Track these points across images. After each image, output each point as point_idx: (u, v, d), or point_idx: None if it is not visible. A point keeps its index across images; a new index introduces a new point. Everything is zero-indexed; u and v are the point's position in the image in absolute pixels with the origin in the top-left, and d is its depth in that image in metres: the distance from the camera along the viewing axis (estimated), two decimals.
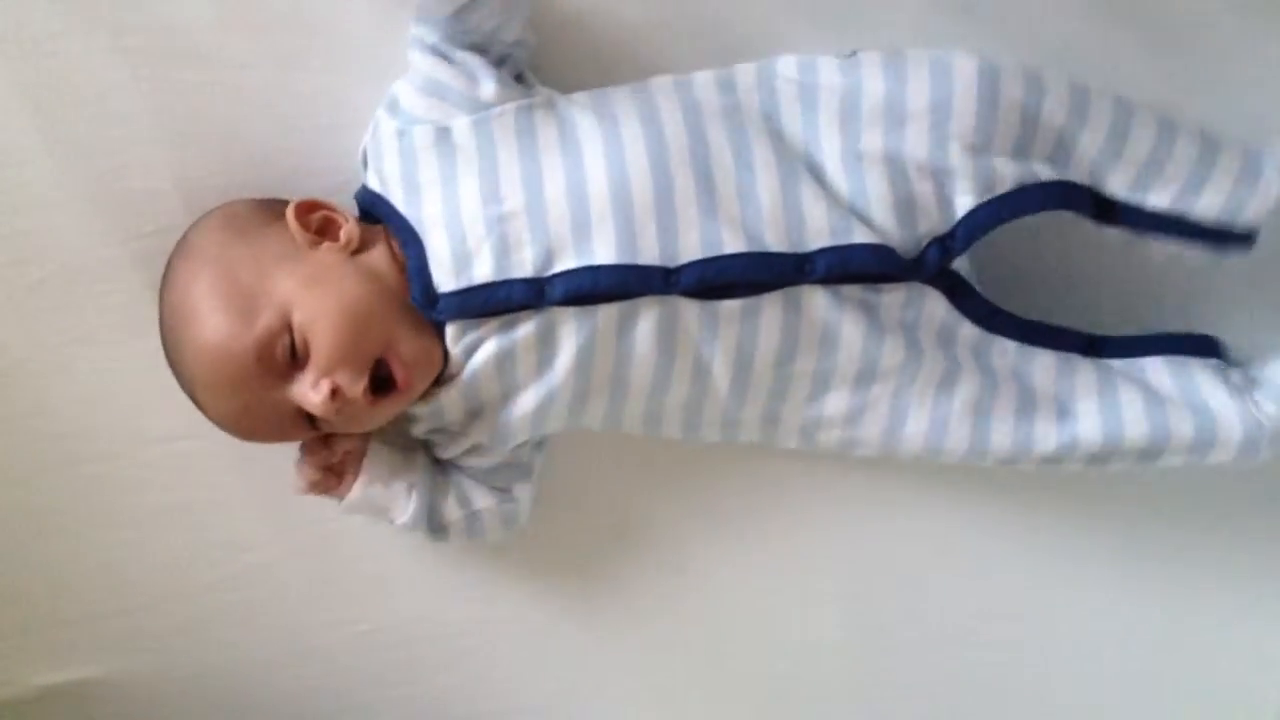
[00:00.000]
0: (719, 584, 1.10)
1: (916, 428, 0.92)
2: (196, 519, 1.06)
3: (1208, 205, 0.89)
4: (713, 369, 0.89)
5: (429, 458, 0.99)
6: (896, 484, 1.06)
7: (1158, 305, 1.02)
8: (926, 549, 1.09)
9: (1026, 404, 0.92)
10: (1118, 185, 0.89)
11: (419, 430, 0.96)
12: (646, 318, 0.86)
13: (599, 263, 0.85)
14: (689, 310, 0.86)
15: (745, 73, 0.91)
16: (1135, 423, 0.91)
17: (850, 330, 0.88)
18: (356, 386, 0.86)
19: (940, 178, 0.87)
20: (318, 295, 0.86)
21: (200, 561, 1.07)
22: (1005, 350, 0.93)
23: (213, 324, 0.86)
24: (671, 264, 0.85)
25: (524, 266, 0.86)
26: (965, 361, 0.92)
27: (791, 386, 0.91)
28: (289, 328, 0.85)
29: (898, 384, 0.90)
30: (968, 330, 0.92)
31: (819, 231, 0.86)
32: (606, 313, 0.86)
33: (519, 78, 0.93)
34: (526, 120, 0.89)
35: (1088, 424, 0.91)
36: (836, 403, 0.92)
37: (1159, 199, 0.89)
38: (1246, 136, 1.00)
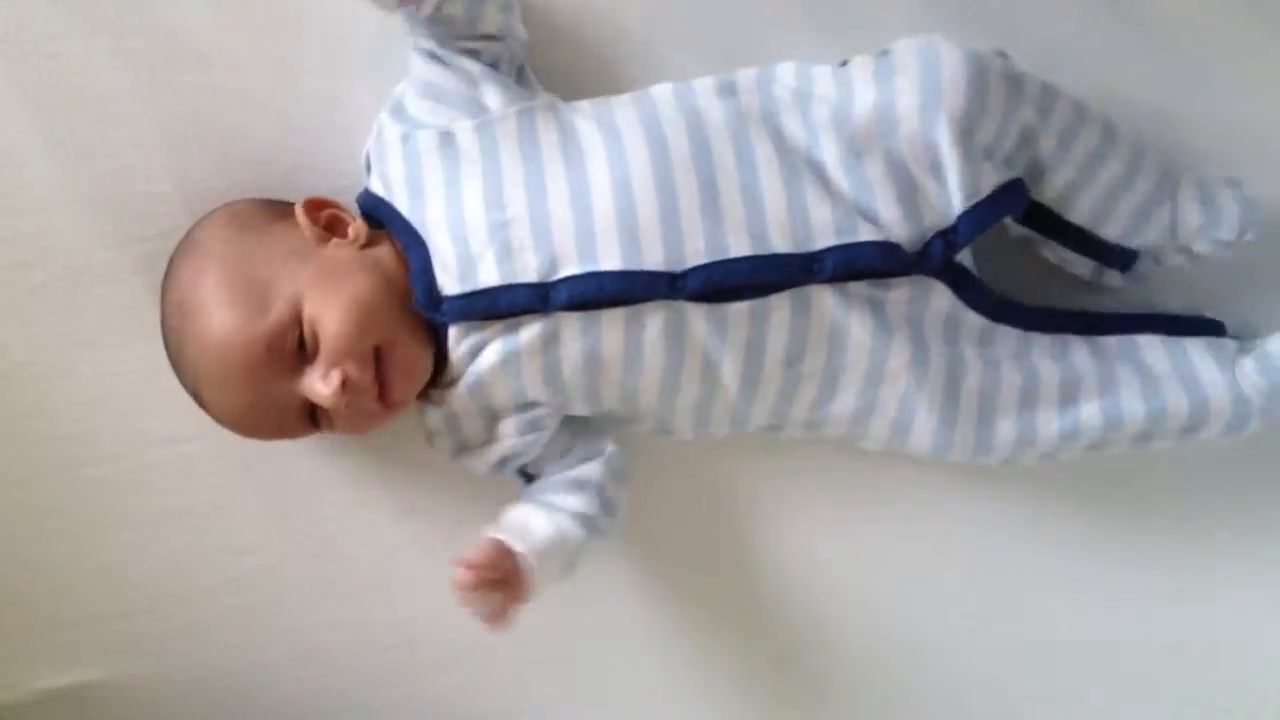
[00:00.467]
0: (720, 585, 1.10)
1: (924, 429, 0.92)
2: (198, 522, 1.06)
3: (1121, 211, 0.94)
4: (722, 370, 0.89)
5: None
6: (897, 483, 1.06)
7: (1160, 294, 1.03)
8: (926, 548, 1.09)
9: (1029, 397, 0.93)
10: (1051, 188, 0.93)
11: (445, 452, 0.96)
12: (653, 323, 0.87)
13: (604, 269, 0.85)
14: (696, 314, 0.87)
15: (745, 78, 0.92)
16: (1132, 403, 0.93)
17: (858, 329, 0.89)
18: (365, 376, 0.86)
19: (938, 170, 0.88)
20: (329, 288, 0.86)
21: (201, 564, 1.07)
22: (1008, 339, 0.94)
23: (221, 317, 0.86)
24: (677, 269, 0.85)
25: (528, 271, 0.86)
26: (970, 356, 0.92)
27: (801, 386, 0.91)
28: (299, 319, 0.86)
29: (906, 386, 0.91)
30: (972, 321, 0.93)
31: (825, 231, 0.86)
32: (611, 318, 0.87)
33: (520, 76, 0.94)
34: (529, 124, 0.89)
35: (1088, 410, 0.93)
36: (844, 402, 0.92)
37: (1079, 209, 0.93)
38: (1243, 138, 1.01)
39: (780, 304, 0.87)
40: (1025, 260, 1.01)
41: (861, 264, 0.87)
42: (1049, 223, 0.95)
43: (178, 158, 0.98)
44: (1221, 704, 1.12)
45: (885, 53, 0.91)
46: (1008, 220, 0.96)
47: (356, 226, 0.91)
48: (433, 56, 0.91)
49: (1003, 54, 0.92)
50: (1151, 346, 0.95)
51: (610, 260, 0.85)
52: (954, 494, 1.06)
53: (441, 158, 0.89)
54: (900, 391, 0.91)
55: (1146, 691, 1.12)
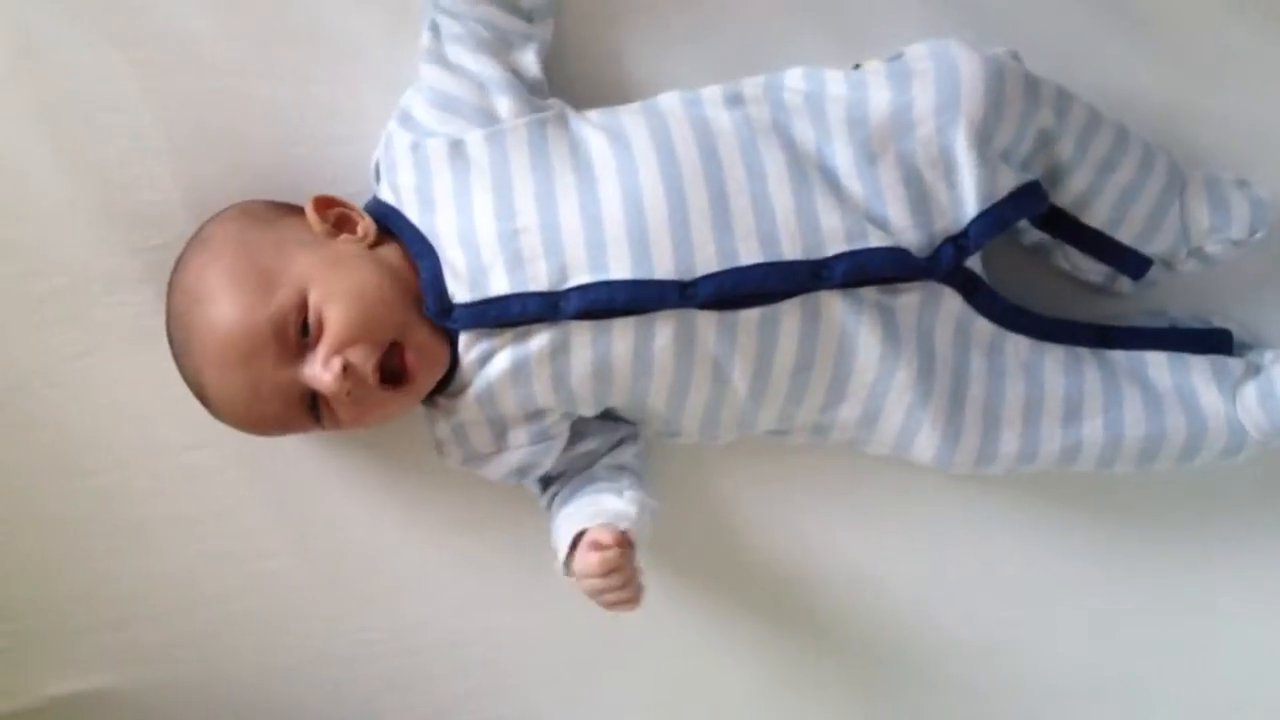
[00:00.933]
0: (724, 588, 1.10)
1: (928, 439, 0.93)
2: (205, 529, 1.06)
3: (1135, 216, 0.94)
4: (731, 378, 0.90)
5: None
6: (905, 488, 1.06)
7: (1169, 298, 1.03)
8: (931, 553, 1.09)
9: (1033, 410, 0.93)
10: (1069, 193, 0.93)
11: (454, 461, 0.96)
12: (663, 331, 0.87)
13: (614, 278, 0.85)
14: (707, 322, 0.87)
15: (753, 86, 0.92)
16: (1134, 423, 0.93)
17: (868, 336, 0.89)
18: (367, 364, 0.85)
19: (951, 175, 0.88)
20: (335, 277, 0.87)
21: (209, 571, 1.07)
22: (1019, 347, 0.94)
23: (228, 300, 0.86)
24: (687, 278, 0.86)
25: (539, 280, 0.86)
26: (977, 366, 0.93)
27: (809, 393, 0.91)
28: (304, 305, 0.86)
29: (912, 395, 0.91)
30: (982, 327, 0.93)
31: (834, 237, 0.86)
32: (622, 327, 0.87)
33: (538, 77, 0.94)
34: (539, 135, 0.89)
35: (1091, 426, 0.93)
36: (851, 409, 0.92)
37: (1096, 212, 0.94)
38: (1250, 138, 1.01)
39: (790, 311, 0.87)
40: (1036, 268, 1.01)
41: (871, 270, 0.87)
42: (1066, 227, 0.95)
43: (184, 167, 0.98)
44: (1222, 704, 1.12)
45: (897, 56, 0.91)
46: (1021, 228, 0.97)
47: (365, 225, 0.91)
48: (442, 60, 0.91)
49: (1016, 56, 0.92)
50: (1158, 365, 0.96)
51: (620, 269, 0.85)
52: (959, 499, 1.07)
53: (451, 167, 0.89)
54: (907, 400, 0.91)
55: (1147, 693, 1.12)
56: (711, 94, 0.92)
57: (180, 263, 0.91)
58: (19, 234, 0.99)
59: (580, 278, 0.86)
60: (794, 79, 0.92)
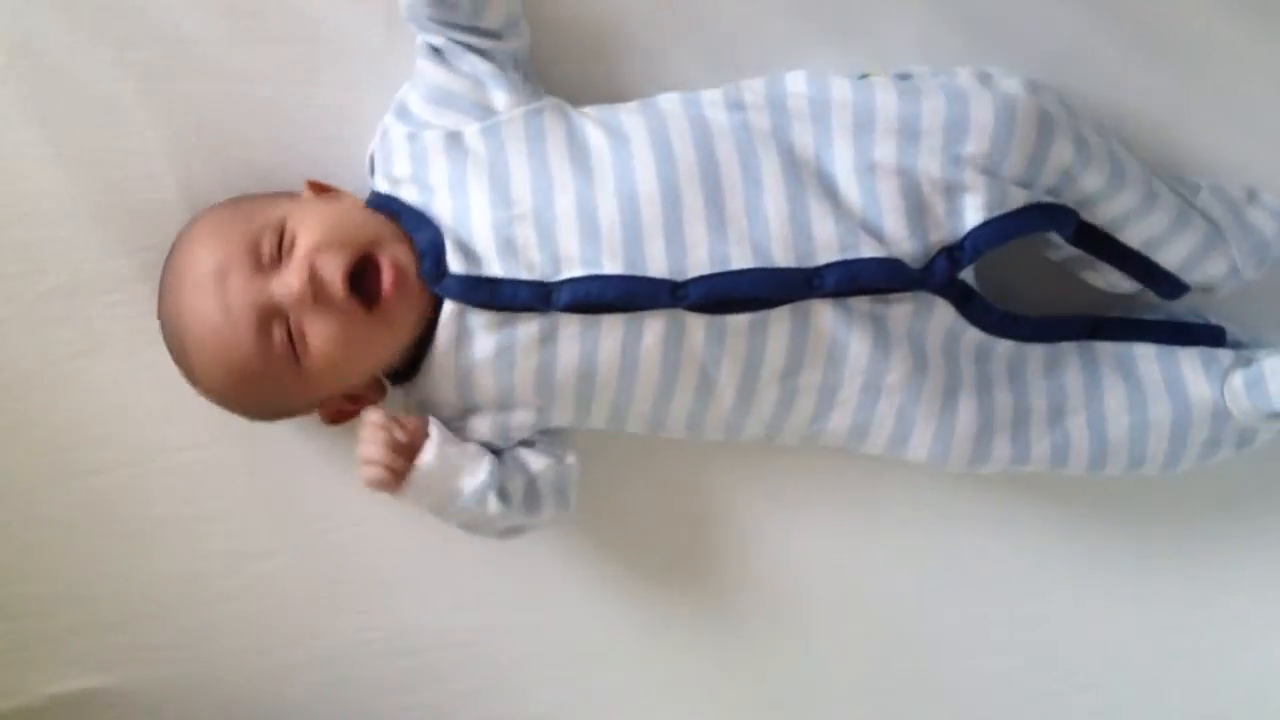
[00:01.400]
0: (726, 588, 1.10)
1: (921, 441, 0.93)
2: (204, 529, 1.06)
3: (1171, 255, 0.93)
4: (718, 382, 0.89)
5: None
6: (899, 486, 1.06)
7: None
8: (928, 553, 1.09)
9: (1021, 417, 0.93)
10: (1102, 216, 0.92)
11: None
12: (652, 330, 0.87)
13: (607, 273, 0.85)
14: (696, 324, 0.87)
15: (753, 89, 0.92)
16: (1117, 413, 0.93)
17: (857, 345, 0.88)
18: (336, 271, 0.84)
19: (953, 191, 0.88)
20: (316, 208, 0.89)
21: (207, 571, 1.07)
22: (1006, 353, 0.94)
23: (211, 232, 0.88)
24: (679, 278, 0.85)
25: (532, 270, 0.86)
26: (967, 374, 0.92)
27: (797, 400, 0.91)
28: (281, 229, 0.86)
29: (902, 400, 0.91)
30: (972, 336, 0.92)
31: (827, 246, 0.86)
32: (611, 323, 0.86)
33: (526, 79, 0.93)
34: (536, 126, 0.89)
35: (1075, 421, 0.93)
36: (841, 417, 0.92)
37: (1132, 237, 0.93)
38: (1245, 145, 1.01)
39: (780, 318, 0.87)
40: (1039, 276, 1.00)
41: (863, 280, 0.86)
42: (1102, 245, 0.94)
43: (183, 167, 0.98)
44: (1224, 705, 1.12)
45: (906, 77, 0.91)
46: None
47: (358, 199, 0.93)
48: (439, 56, 0.91)
49: (1035, 88, 0.91)
50: (1146, 356, 0.95)
51: (613, 265, 0.85)
52: (957, 498, 1.07)
53: (448, 157, 0.89)
54: (897, 402, 0.91)
55: (1147, 695, 1.12)
56: (712, 96, 0.92)
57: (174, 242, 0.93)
58: (18, 233, 0.99)
59: (573, 271, 0.86)
60: (796, 83, 0.92)
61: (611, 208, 0.86)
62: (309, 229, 0.86)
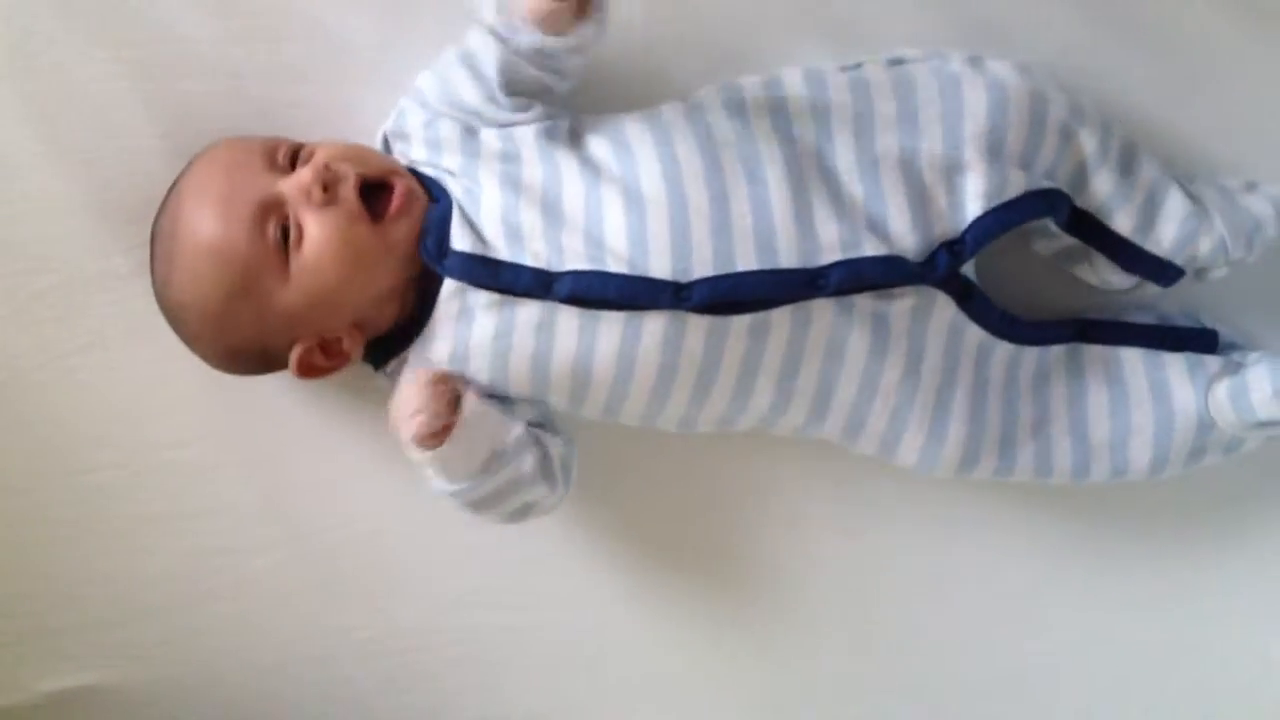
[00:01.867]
0: (726, 588, 1.10)
1: (912, 444, 0.93)
2: (199, 526, 1.06)
3: (1160, 236, 0.94)
4: (715, 383, 0.89)
5: None
6: (899, 486, 1.06)
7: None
8: (927, 554, 1.09)
9: (1009, 428, 0.94)
10: (1094, 198, 0.93)
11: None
12: (651, 330, 0.87)
13: (610, 270, 0.86)
14: (697, 325, 0.87)
15: (753, 90, 0.93)
16: (1098, 419, 0.95)
17: (856, 344, 0.89)
18: (351, 174, 0.86)
19: (953, 174, 0.88)
20: (331, 141, 0.90)
21: (203, 568, 1.07)
22: (1003, 359, 0.94)
23: (225, 147, 0.90)
24: (683, 279, 0.86)
25: (536, 258, 0.86)
26: (964, 376, 0.93)
27: (793, 401, 0.91)
28: (300, 145, 0.89)
29: (897, 402, 0.91)
30: (973, 335, 0.93)
31: (830, 246, 0.87)
32: (611, 320, 0.87)
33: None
34: (550, 134, 0.90)
35: (1058, 427, 0.95)
36: (836, 417, 0.92)
37: (1122, 222, 0.93)
38: (1241, 145, 1.01)
39: (781, 318, 0.87)
40: (1033, 277, 1.01)
41: (866, 277, 0.87)
42: (1093, 232, 0.94)
43: (178, 165, 0.97)
44: (1224, 706, 1.12)
45: (899, 61, 0.92)
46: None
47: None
48: (469, 66, 0.90)
49: (1025, 69, 0.92)
50: (1132, 361, 0.96)
51: (617, 265, 0.86)
52: (957, 497, 1.07)
53: (463, 148, 0.90)
54: (892, 405, 0.91)
55: (1146, 694, 1.12)
56: (711, 98, 0.92)
57: None
58: (15, 232, 0.99)
59: (577, 264, 0.86)
60: (793, 80, 0.93)
61: (617, 211, 0.86)
62: (330, 147, 0.89)
